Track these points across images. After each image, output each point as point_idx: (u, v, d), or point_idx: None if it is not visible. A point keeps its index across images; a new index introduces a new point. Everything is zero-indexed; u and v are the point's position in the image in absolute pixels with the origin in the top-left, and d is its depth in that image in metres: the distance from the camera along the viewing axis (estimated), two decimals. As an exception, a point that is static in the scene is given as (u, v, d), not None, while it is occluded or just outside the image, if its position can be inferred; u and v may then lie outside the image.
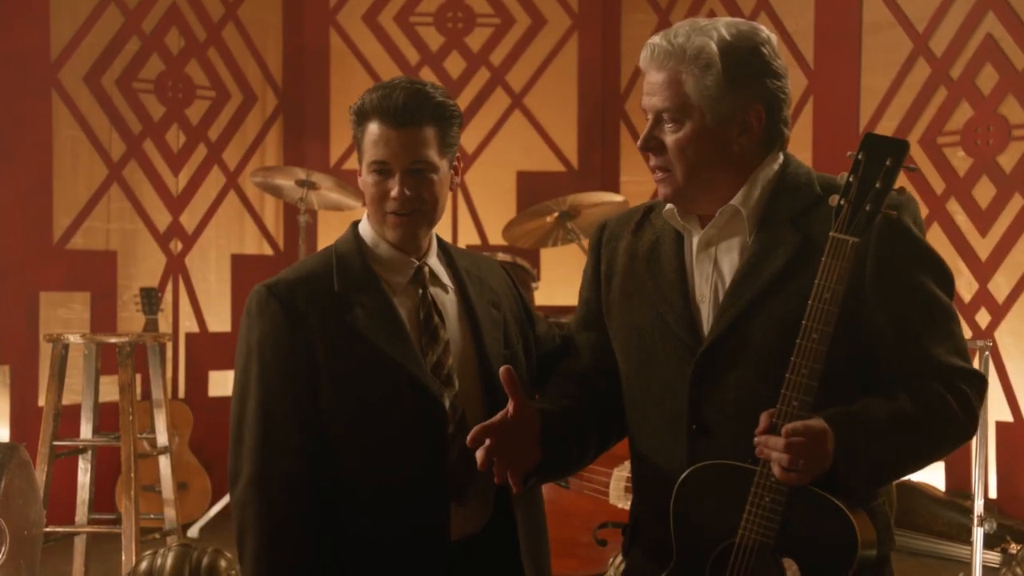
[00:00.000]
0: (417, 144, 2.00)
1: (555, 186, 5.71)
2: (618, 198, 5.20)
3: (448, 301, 2.11)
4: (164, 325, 5.58)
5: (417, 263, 2.08)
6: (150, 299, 5.18)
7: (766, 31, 1.90)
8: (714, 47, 1.84)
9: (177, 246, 5.72)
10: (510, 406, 1.87)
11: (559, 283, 5.82)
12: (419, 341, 2.04)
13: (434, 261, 2.12)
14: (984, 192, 4.83)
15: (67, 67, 5.38)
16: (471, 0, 5.99)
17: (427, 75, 5.82)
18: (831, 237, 1.75)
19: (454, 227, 6.02)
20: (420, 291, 2.08)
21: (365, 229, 2.10)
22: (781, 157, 1.94)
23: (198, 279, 5.77)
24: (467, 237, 6.01)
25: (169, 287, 5.70)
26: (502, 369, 1.88)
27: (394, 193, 2.01)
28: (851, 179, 1.76)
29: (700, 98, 1.84)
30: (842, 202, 1.76)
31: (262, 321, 2.01)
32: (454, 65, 6.03)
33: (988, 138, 4.80)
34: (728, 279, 1.88)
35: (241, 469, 2.00)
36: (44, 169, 5.32)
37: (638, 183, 5.94)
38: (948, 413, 1.79)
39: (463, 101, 5.98)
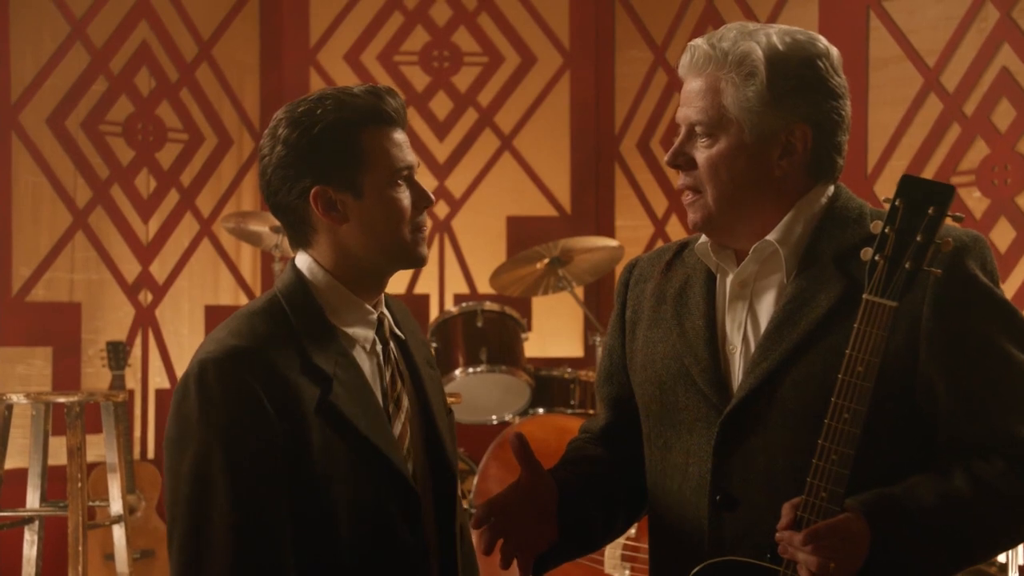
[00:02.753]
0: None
1: (547, 232, 5.49)
2: (612, 243, 4.99)
3: (400, 358, 1.85)
4: (132, 381, 5.33)
5: (374, 312, 1.80)
6: (117, 354, 5.01)
7: (826, 43, 1.71)
8: (760, 54, 1.65)
9: (147, 297, 5.49)
10: (523, 478, 1.69)
11: (551, 334, 5.64)
12: (386, 408, 1.77)
13: (385, 310, 1.84)
14: (1003, 235, 4.61)
15: (28, 109, 5.19)
16: (458, 38, 5.79)
17: (412, 116, 5.57)
18: (864, 300, 1.51)
19: (441, 275, 5.78)
20: (381, 346, 1.80)
21: (314, 272, 1.77)
22: (832, 189, 1.73)
23: (169, 332, 5.52)
24: (455, 286, 5.77)
25: (138, 341, 5.45)
26: (513, 435, 1.68)
27: (425, 197, 1.78)
28: (887, 230, 1.52)
29: (739, 110, 1.65)
30: (876, 258, 1.52)
31: (227, 400, 1.64)
32: (440, 106, 5.81)
33: (1006, 177, 4.59)
34: (763, 327, 1.68)
35: None
36: (3, 217, 5.11)
37: (634, 228, 5.73)
38: (1017, 496, 1.54)
39: (450, 143, 5.78)
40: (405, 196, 1.76)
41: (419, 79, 5.78)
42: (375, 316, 1.79)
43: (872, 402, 1.51)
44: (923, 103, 4.77)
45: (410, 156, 1.78)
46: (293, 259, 1.80)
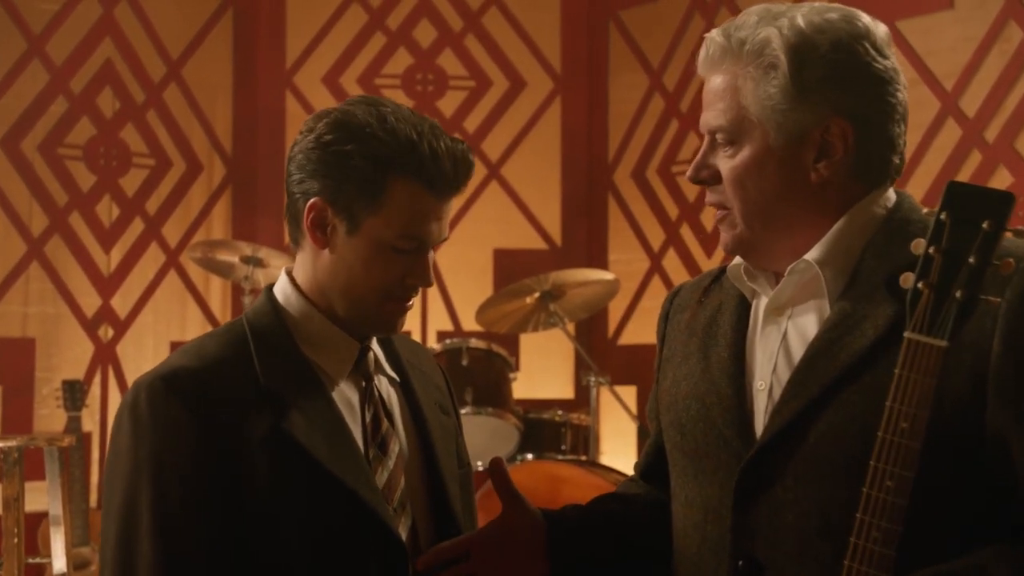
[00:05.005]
0: (448, 216, 1.69)
1: (535, 265, 5.32)
2: (608, 276, 4.79)
3: (393, 398, 1.75)
4: (90, 423, 5.15)
5: (360, 345, 1.70)
6: (74, 393, 4.84)
7: (867, 21, 1.51)
8: (780, 41, 1.47)
9: (107, 333, 5.34)
10: (502, 511, 1.62)
11: (540, 373, 5.48)
12: (367, 452, 1.67)
13: (375, 344, 1.75)
14: (1028, 270, 4.36)
15: (-20, 131, 5.09)
16: (443, 61, 5.68)
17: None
18: (906, 339, 1.25)
19: (423, 312, 5.59)
20: (364, 383, 1.70)
21: (289, 297, 1.69)
22: (893, 197, 1.52)
23: (131, 370, 5.33)
24: (439, 323, 5.59)
25: (97, 379, 5.29)
26: (493, 460, 1.63)
27: (422, 277, 1.67)
28: (931, 251, 1.25)
29: (761, 110, 1.48)
30: (919, 285, 1.25)
31: (158, 428, 1.57)
32: (424, 131, 5.60)
33: (1031, 209, 4.37)
34: (797, 360, 1.50)
35: None
36: (-48, 245, 5.02)
37: (628, 262, 5.57)
38: None
39: (434, 171, 5.56)
40: (397, 263, 1.64)
41: (402, 103, 5.56)
42: (357, 348, 1.69)
43: (923, 462, 1.29)
44: (940, 129, 4.62)
45: (433, 229, 1.65)
46: (270, 284, 1.74)
